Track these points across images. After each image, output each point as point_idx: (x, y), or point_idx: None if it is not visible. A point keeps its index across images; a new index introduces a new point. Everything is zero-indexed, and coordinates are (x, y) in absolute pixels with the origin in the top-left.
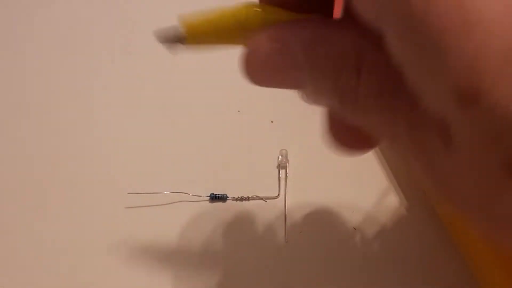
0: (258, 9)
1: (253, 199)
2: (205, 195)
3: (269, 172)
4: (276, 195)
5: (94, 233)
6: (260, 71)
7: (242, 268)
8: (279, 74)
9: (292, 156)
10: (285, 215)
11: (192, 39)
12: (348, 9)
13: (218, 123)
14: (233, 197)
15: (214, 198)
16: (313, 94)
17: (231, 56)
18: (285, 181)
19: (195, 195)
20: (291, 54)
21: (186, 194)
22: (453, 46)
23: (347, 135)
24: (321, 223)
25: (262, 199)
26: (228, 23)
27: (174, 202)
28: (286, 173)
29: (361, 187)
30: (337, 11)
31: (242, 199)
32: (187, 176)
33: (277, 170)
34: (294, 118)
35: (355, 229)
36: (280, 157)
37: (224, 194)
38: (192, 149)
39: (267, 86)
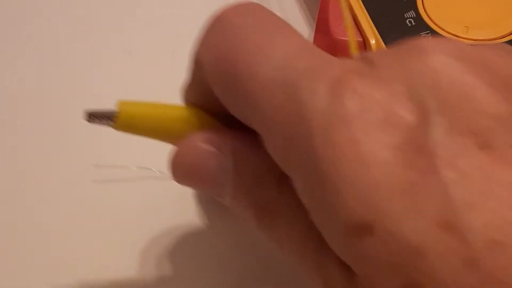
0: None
1: None
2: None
3: None
4: None
5: (59, 206)
6: (187, 173)
7: (202, 246)
8: (204, 179)
9: None
10: None
11: (123, 127)
12: None
13: None
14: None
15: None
16: (231, 202)
17: None
18: None
19: (161, 172)
20: (222, 159)
21: (153, 171)
22: (347, 182)
23: None
24: None
25: None
26: (169, 122)
27: (141, 178)
28: None
29: None
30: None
31: None
32: (155, 152)
33: None
34: None
35: None
36: None
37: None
38: None
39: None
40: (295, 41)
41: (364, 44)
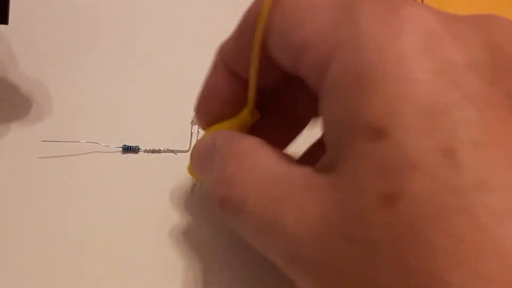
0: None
1: (164, 151)
2: (117, 145)
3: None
4: (187, 149)
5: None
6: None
7: (147, 217)
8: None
9: None
10: None
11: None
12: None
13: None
14: (145, 149)
15: (127, 149)
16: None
17: None
18: (197, 136)
19: (107, 146)
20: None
21: (99, 145)
22: (382, 87)
23: None
24: None
25: (173, 152)
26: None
27: (88, 153)
28: (198, 129)
29: None
30: None
31: (153, 151)
32: (100, 125)
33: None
34: None
35: None
36: (193, 113)
37: (136, 146)
38: (108, 97)
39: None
40: None
41: None
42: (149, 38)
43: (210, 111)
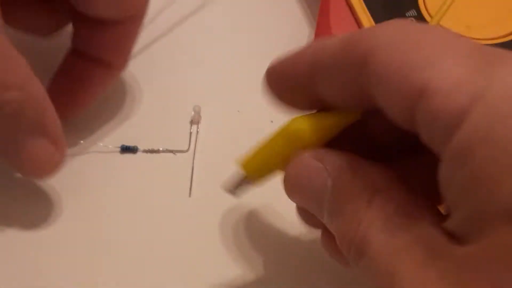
0: (304, 122)
1: (164, 151)
2: (115, 146)
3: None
4: (186, 149)
5: None
6: (296, 188)
7: (144, 219)
8: (308, 192)
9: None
10: (192, 169)
11: (253, 175)
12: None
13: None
14: (144, 149)
15: (125, 149)
16: (327, 219)
17: None
18: (196, 136)
19: (106, 146)
20: (324, 176)
21: (97, 145)
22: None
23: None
24: None
25: (172, 152)
26: (279, 144)
27: (86, 153)
28: (197, 128)
29: None
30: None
31: (152, 151)
32: (98, 125)
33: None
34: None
35: None
36: (193, 112)
37: (135, 146)
38: (106, 97)
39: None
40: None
41: None
42: (147, 36)
43: (285, 84)
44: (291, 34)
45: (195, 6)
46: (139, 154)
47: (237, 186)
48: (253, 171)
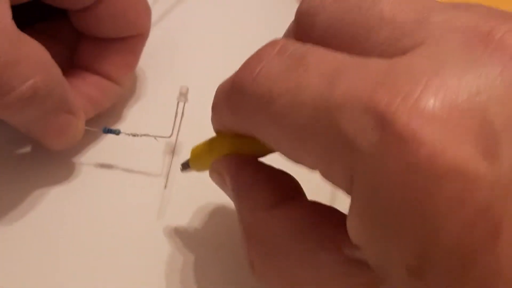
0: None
1: (145, 135)
2: (98, 128)
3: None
4: (169, 135)
5: None
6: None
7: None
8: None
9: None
10: (172, 157)
11: (193, 164)
12: None
13: None
14: (126, 133)
15: (107, 132)
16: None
17: None
18: (180, 122)
19: (88, 128)
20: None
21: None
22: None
23: None
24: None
25: (153, 137)
26: (204, 152)
27: None
28: (183, 110)
29: None
30: None
31: (134, 135)
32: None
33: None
34: None
35: None
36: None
37: (117, 129)
38: None
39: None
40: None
41: None
42: None
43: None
44: (282, 15)
45: None
46: (122, 136)
47: (185, 167)
48: (193, 162)
